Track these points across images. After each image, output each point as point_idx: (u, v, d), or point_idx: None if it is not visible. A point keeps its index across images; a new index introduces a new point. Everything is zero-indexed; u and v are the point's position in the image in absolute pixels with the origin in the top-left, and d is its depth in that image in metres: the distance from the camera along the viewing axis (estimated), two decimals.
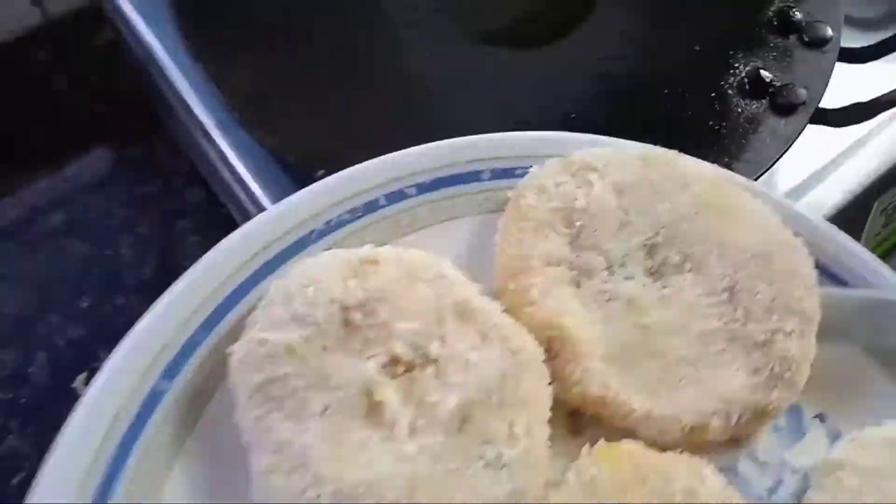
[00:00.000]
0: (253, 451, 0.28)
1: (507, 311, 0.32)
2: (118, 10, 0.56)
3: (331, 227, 0.34)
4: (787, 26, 0.52)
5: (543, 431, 0.30)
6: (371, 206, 0.35)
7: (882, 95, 0.49)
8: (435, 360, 0.30)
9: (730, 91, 0.49)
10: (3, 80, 0.67)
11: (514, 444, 0.29)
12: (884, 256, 0.59)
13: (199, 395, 0.31)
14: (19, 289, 0.62)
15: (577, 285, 0.34)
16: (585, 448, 0.30)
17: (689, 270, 0.34)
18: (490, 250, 0.34)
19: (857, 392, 0.35)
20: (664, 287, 0.34)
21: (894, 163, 0.53)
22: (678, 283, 0.34)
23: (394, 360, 0.30)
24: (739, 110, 0.49)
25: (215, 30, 0.50)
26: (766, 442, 0.33)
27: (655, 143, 0.37)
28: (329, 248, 0.34)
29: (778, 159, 0.46)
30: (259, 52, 0.49)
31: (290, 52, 0.49)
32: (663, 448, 0.30)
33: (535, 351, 0.31)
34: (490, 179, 0.36)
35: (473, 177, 0.36)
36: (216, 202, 0.69)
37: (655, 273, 0.34)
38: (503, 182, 0.36)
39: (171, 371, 0.30)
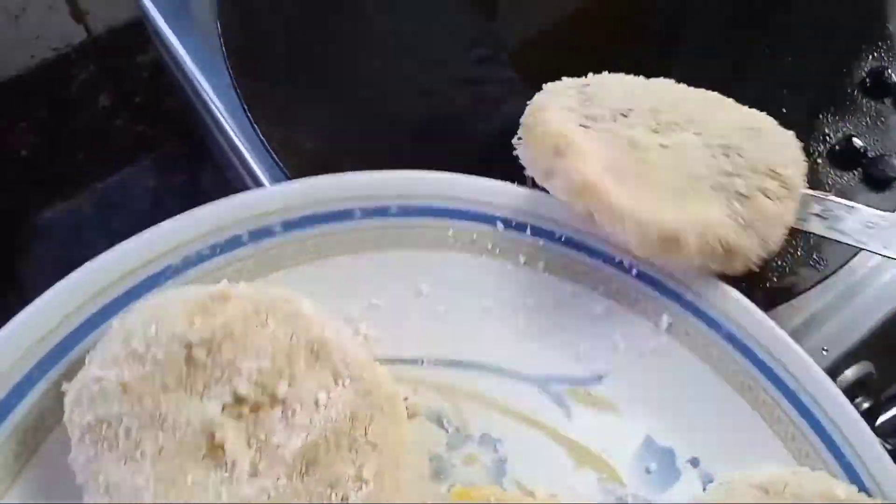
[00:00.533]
0: (86, 492, 0.28)
1: (523, 138, 0.37)
2: (159, 33, 0.53)
3: (188, 263, 0.32)
4: (881, 89, 0.48)
5: (395, 475, 0.29)
6: (234, 243, 0.33)
7: None
8: (282, 401, 0.29)
9: (819, 160, 0.45)
10: (46, 98, 0.66)
11: (361, 488, 0.28)
12: None
13: (36, 432, 0.30)
14: None
15: (586, 127, 0.38)
16: (443, 491, 0.31)
17: (690, 130, 0.39)
18: (361, 289, 0.34)
19: (731, 437, 0.35)
20: (665, 140, 0.38)
21: None
22: (679, 138, 0.39)
23: (238, 400, 0.29)
24: (829, 182, 0.45)
25: (270, 89, 0.47)
26: (639, 485, 0.34)
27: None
28: (185, 285, 0.32)
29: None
30: (313, 112, 0.46)
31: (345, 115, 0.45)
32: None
33: (390, 392, 0.31)
34: (362, 218, 0.34)
35: (346, 215, 0.34)
36: None
37: (658, 130, 0.39)
38: (376, 221, 0.34)
39: (4, 405, 0.29)
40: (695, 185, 0.36)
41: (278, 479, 0.28)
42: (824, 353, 0.46)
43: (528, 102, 0.39)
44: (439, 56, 0.48)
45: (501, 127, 0.40)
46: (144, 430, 0.28)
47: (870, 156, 0.45)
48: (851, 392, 0.48)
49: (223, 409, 0.29)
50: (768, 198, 0.37)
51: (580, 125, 0.38)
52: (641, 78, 0.42)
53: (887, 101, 0.47)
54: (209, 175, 0.66)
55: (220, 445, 0.28)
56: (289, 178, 0.44)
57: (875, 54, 0.49)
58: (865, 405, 0.48)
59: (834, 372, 0.47)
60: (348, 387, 0.30)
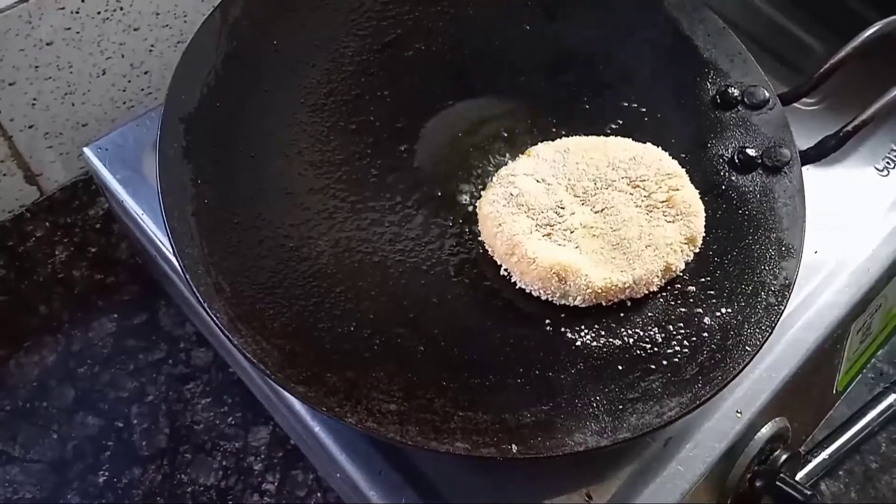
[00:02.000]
0: None
1: (521, 275, 0.48)
2: (104, 182, 0.58)
3: None
4: (730, 103, 0.56)
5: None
6: None
7: (847, 124, 0.53)
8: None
9: (733, 179, 0.53)
10: (4, 257, 0.69)
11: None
12: (860, 370, 0.62)
13: None
14: (35, 470, 0.63)
15: (549, 236, 0.50)
16: None
17: (602, 188, 0.52)
18: None
19: None
20: (594, 206, 0.51)
21: (863, 292, 0.57)
22: (601, 199, 0.51)
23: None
24: (740, 185, 0.53)
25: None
26: None
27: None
28: None
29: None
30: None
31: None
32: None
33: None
34: None
35: None
36: (223, 363, 0.71)
37: (585, 202, 0.51)
38: None
39: None
40: (639, 221, 0.50)
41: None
42: (738, 415, 0.51)
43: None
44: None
45: None
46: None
47: (759, 154, 0.54)
48: (769, 447, 0.53)
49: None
50: (678, 190, 0.51)
51: (545, 237, 0.49)
52: (544, 149, 0.53)
53: (740, 108, 0.55)
54: (166, 313, 0.70)
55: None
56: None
57: (710, 78, 0.58)
58: (784, 457, 0.53)
59: (750, 431, 0.52)
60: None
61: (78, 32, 0.64)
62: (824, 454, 0.68)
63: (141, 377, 0.68)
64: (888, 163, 0.63)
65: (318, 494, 0.64)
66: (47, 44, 0.63)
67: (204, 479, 0.64)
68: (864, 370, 0.69)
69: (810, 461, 0.65)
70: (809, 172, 0.55)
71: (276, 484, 0.65)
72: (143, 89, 0.73)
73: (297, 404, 0.50)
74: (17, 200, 0.71)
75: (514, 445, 0.43)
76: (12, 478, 0.63)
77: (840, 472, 0.70)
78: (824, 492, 0.68)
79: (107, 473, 0.64)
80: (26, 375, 0.67)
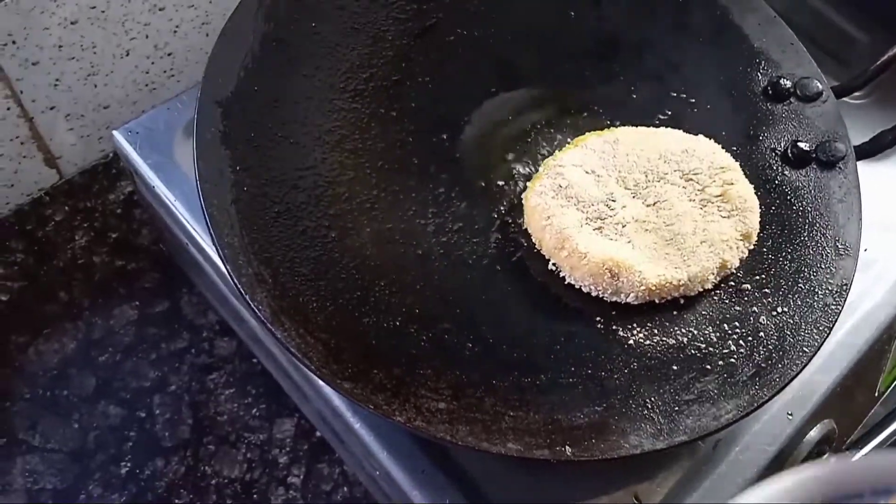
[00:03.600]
0: None
1: (571, 270, 0.47)
2: (134, 167, 0.56)
3: None
4: (782, 94, 0.54)
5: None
6: None
7: None
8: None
9: (786, 173, 0.52)
10: (23, 242, 0.67)
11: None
12: None
13: None
14: (56, 460, 0.62)
15: (601, 230, 0.48)
16: None
17: (654, 181, 0.50)
18: None
19: None
20: (646, 199, 0.49)
21: None
22: (653, 192, 0.49)
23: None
24: (793, 180, 0.52)
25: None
26: None
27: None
28: None
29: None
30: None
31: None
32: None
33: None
34: None
35: None
36: (247, 353, 0.69)
37: (636, 195, 0.50)
38: None
39: None
40: (693, 217, 0.48)
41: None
42: (789, 417, 0.50)
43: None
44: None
45: None
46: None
47: (813, 149, 0.52)
48: (818, 449, 0.51)
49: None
50: (733, 184, 0.49)
51: (596, 231, 0.48)
52: (593, 139, 0.51)
53: (792, 100, 0.54)
54: (188, 301, 0.69)
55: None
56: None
57: (761, 69, 0.56)
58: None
59: (800, 434, 0.50)
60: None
61: (103, 11, 0.62)
62: (861, 454, 0.67)
63: (163, 366, 0.66)
64: None
65: (345, 489, 0.63)
66: (72, 23, 0.61)
67: (228, 472, 0.63)
68: None
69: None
70: (860, 168, 0.53)
71: (301, 477, 0.63)
72: (165, 71, 0.71)
73: (335, 399, 0.49)
74: (36, 184, 0.69)
75: (567, 447, 0.41)
76: (32, 467, 0.61)
77: None
78: None
79: (129, 464, 0.62)
80: (46, 363, 0.65)
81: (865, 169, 0.58)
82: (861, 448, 0.67)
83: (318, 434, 0.64)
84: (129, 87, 0.69)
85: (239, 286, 0.44)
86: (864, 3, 0.68)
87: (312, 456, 0.64)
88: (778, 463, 0.50)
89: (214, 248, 0.45)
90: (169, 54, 0.70)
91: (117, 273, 0.69)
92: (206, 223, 0.45)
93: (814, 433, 0.51)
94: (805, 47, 0.58)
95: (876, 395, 0.62)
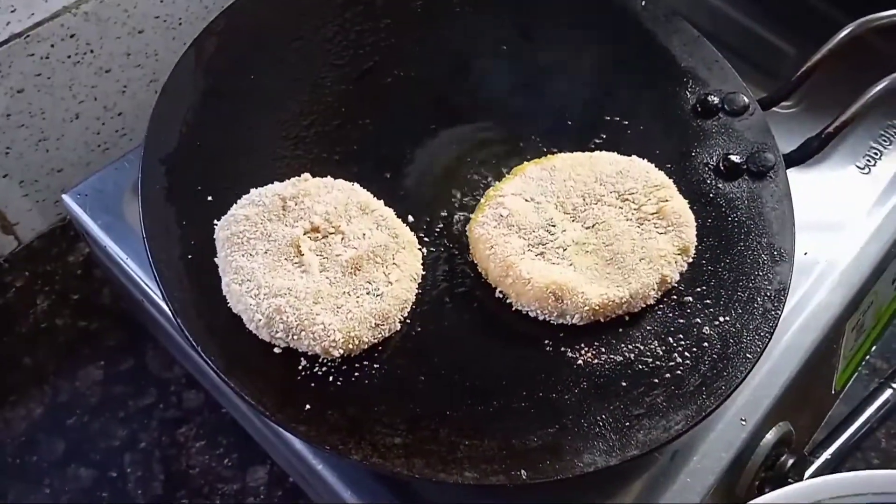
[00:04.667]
0: (224, 274, 0.47)
1: (517, 296, 0.48)
2: (85, 229, 0.57)
3: None
4: (711, 110, 0.57)
5: (410, 285, 0.48)
6: None
7: (828, 125, 0.54)
8: (342, 232, 0.49)
9: (720, 186, 0.53)
10: None
11: (388, 286, 0.47)
12: (856, 368, 0.63)
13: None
14: None
15: (543, 255, 0.49)
16: None
17: (591, 203, 0.51)
18: None
19: None
20: (585, 222, 0.51)
21: (855, 290, 0.57)
22: (591, 215, 0.51)
23: (314, 229, 0.49)
24: (726, 192, 0.54)
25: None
26: None
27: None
28: None
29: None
30: None
31: None
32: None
33: (410, 237, 0.50)
34: None
35: None
36: (216, 404, 0.69)
37: (575, 218, 0.51)
38: None
39: None
40: (631, 235, 0.50)
41: (337, 274, 0.47)
42: (742, 423, 0.51)
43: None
44: None
45: None
46: (257, 241, 0.47)
47: (744, 160, 0.54)
48: (775, 452, 0.53)
49: (304, 232, 0.48)
50: (667, 201, 0.51)
51: (538, 257, 0.49)
52: (531, 167, 0.53)
53: (721, 115, 0.56)
54: (154, 356, 0.69)
55: (301, 253, 0.47)
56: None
57: (689, 87, 0.58)
58: (791, 461, 0.53)
59: (756, 438, 0.52)
60: (384, 231, 0.49)
61: (49, 78, 0.64)
62: (826, 454, 0.68)
63: (132, 424, 0.66)
64: (869, 160, 0.64)
65: None
66: (18, 91, 0.62)
67: None
68: (860, 367, 0.69)
69: (813, 462, 0.65)
70: (793, 175, 0.55)
71: None
72: (117, 131, 0.72)
73: (296, 443, 0.50)
74: None
75: (523, 471, 0.42)
76: None
77: (843, 471, 0.70)
78: None
79: None
80: (14, 430, 0.65)
81: (803, 174, 0.60)
82: (827, 448, 0.69)
83: (291, 479, 0.64)
84: (81, 150, 0.70)
85: (191, 339, 0.44)
86: (789, 17, 0.71)
87: (287, 501, 0.64)
88: (736, 468, 0.51)
89: (165, 304, 0.46)
90: (119, 114, 0.71)
91: (81, 334, 0.70)
92: (155, 279, 0.46)
93: (769, 436, 0.52)
94: (737, 63, 0.61)
95: (833, 392, 0.63)
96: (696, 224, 0.51)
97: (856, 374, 0.69)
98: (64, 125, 0.67)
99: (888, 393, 0.72)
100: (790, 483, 0.52)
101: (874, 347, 0.73)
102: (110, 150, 0.72)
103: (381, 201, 0.51)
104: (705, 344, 0.47)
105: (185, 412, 0.67)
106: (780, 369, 0.53)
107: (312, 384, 0.44)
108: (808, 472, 0.64)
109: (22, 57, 0.61)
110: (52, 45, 0.62)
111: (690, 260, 0.50)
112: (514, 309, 0.49)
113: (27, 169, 0.67)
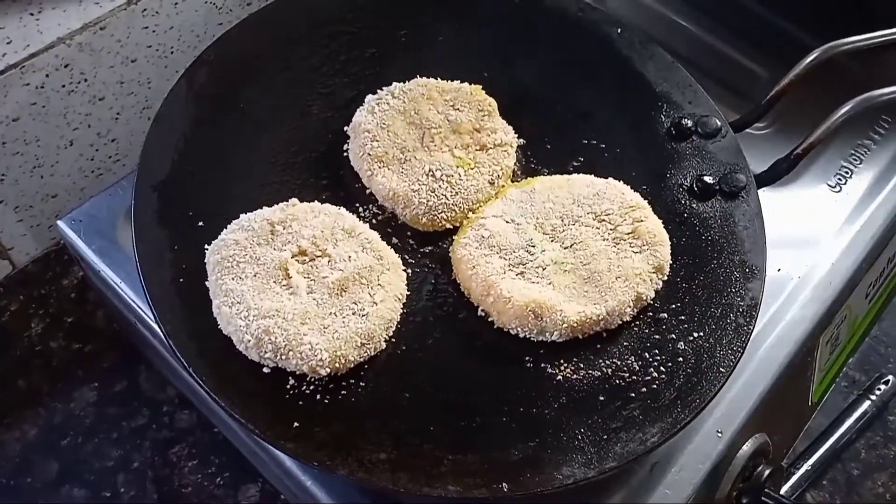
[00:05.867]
0: (214, 297, 0.49)
1: (498, 314, 0.50)
2: (79, 253, 0.59)
3: None
4: (685, 133, 0.59)
5: (395, 305, 0.50)
6: None
7: (796, 147, 0.57)
8: (329, 255, 0.50)
9: (694, 206, 0.56)
10: None
11: (373, 306, 0.49)
12: (833, 380, 0.64)
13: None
14: None
15: (523, 275, 0.51)
16: None
17: (569, 224, 0.53)
18: None
19: None
20: (563, 242, 0.53)
21: (828, 305, 0.59)
22: (569, 235, 0.53)
23: (301, 252, 0.50)
24: (714, 215, 0.56)
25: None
26: None
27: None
28: None
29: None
30: None
31: None
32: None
33: (395, 259, 0.52)
34: None
35: None
36: (208, 424, 0.71)
37: (554, 239, 0.53)
38: None
39: None
40: (608, 255, 0.52)
41: (324, 295, 0.49)
42: (719, 435, 0.53)
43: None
44: None
45: None
46: (247, 264, 0.49)
47: (717, 181, 0.56)
48: (752, 463, 0.54)
49: (292, 256, 0.50)
50: (642, 221, 0.53)
51: (518, 276, 0.51)
52: (512, 190, 0.55)
53: (695, 138, 0.59)
54: (147, 378, 0.70)
55: (289, 276, 0.49)
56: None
57: (664, 111, 0.60)
58: (767, 472, 0.54)
59: (732, 449, 0.53)
60: (369, 253, 0.51)
61: (44, 106, 0.65)
62: (807, 465, 0.70)
63: (125, 444, 0.68)
64: (840, 179, 0.66)
65: None
66: (13, 119, 0.64)
67: None
68: (837, 379, 0.71)
69: (794, 473, 0.67)
70: (766, 194, 0.58)
71: None
72: (111, 157, 0.74)
73: (286, 460, 0.51)
74: None
75: (504, 484, 0.44)
76: None
77: (824, 482, 0.72)
78: (810, 502, 0.70)
79: None
80: (8, 452, 0.67)
81: (778, 193, 0.62)
82: (808, 459, 0.71)
83: (282, 497, 0.66)
84: (75, 175, 0.72)
85: (183, 361, 0.46)
86: (759, 40, 0.74)
87: None
88: (713, 479, 0.52)
89: (158, 326, 0.47)
90: (112, 140, 0.73)
91: (75, 356, 0.71)
92: (148, 302, 0.47)
93: (746, 448, 0.54)
94: (711, 86, 0.63)
95: (810, 404, 0.65)
96: (670, 243, 0.53)
97: (833, 386, 0.71)
98: (58, 152, 0.69)
99: (866, 404, 0.75)
100: (767, 493, 0.54)
101: (851, 360, 0.75)
102: (104, 175, 0.74)
103: (367, 224, 0.53)
104: (680, 359, 0.49)
105: (178, 432, 0.69)
106: (756, 382, 0.55)
107: (300, 402, 0.46)
108: (789, 484, 0.66)
109: (18, 87, 0.63)
110: (47, 75, 0.64)
111: (665, 278, 0.52)
112: (495, 327, 0.50)
113: (22, 195, 0.69)
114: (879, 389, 0.75)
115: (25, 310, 0.72)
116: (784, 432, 0.62)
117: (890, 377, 0.76)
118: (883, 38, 0.60)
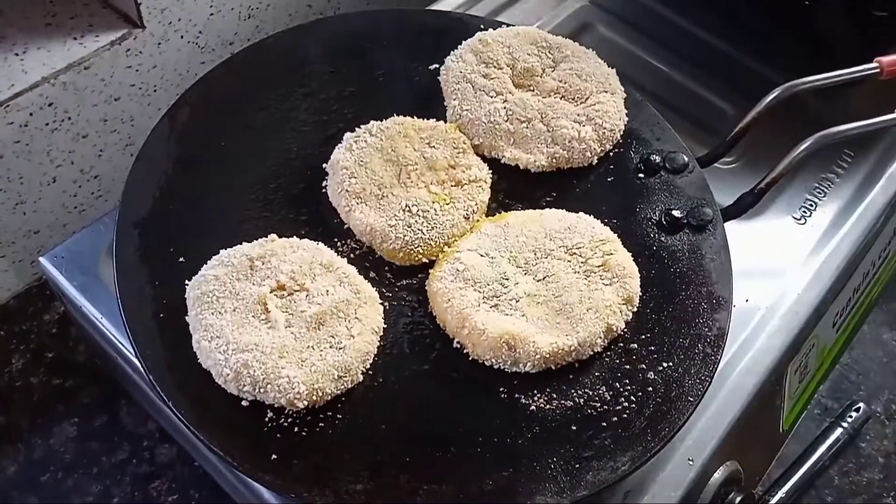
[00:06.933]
0: (194, 331, 0.50)
1: (473, 346, 0.52)
2: (61, 290, 0.60)
3: None
4: (653, 169, 0.61)
5: (372, 338, 0.52)
6: None
7: (760, 181, 0.59)
8: (307, 289, 0.52)
9: (662, 240, 0.57)
10: None
11: (350, 339, 0.50)
12: (804, 407, 0.66)
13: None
14: None
15: (497, 307, 0.53)
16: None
17: (542, 257, 0.55)
18: None
19: None
20: (536, 275, 0.55)
21: (795, 334, 0.61)
22: (542, 268, 0.55)
23: (280, 287, 0.52)
24: (668, 245, 0.57)
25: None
26: None
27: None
28: None
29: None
30: None
31: None
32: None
33: (371, 293, 0.53)
34: None
35: None
36: (189, 458, 0.71)
37: (527, 272, 0.55)
38: None
39: None
40: (577, 286, 0.53)
41: (301, 329, 0.50)
42: (690, 463, 0.54)
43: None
44: None
45: None
46: (226, 299, 0.50)
47: (683, 215, 0.58)
48: (724, 490, 0.56)
49: (271, 290, 0.51)
50: (612, 254, 0.54)
51: (493, 309, 0.52)
52: (486, 224, 0.57)
53: (662, 174, 0.61)
54: (128, 412, 0.71)
55: (267, 310, 0.50)
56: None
57: (633, 148, 0.62)
58: (738, 499, 0.56)
59: (704, 477, 0.55)
60: (346, 287, 0.52)
61: (27, 144, 0.67)
62: (781, 493, 0.71)
63: (105, 480, 0.68)
64: (804, 211, 0.68)
65: None
66: None
67: None
68: (809, 407, 0.73)
69: (769, 501, 0.68)
70: (734, 226, 0.60)
71: None
72: (93, 193, 0.75)
73: (265, 492, 0.52)
74: None
75: None
76: None
77: None
78: None
79: None
80: None
81: (745, 225, 0.64)
82: (782, 486, 0.72)
83: None
84: (57, 212, 0.73)
85: (162, 394, 0.47)
86: (726, 77, 0.76)
87: None
88: None
89: (138, 360, 0.48)
90: (95, 177, 0.74)
91: (55, 391, 0.72)
92: (128, 338, 0.48)
93: (717, 475, 0.55)
94: (679, 121, 0.65)
95: (781, 431, 0.67)
96: (639, 275, 0.54)
97: (805, 413, 0.72)
98: (41, 188, 0.70)
99: (839, 431, 0.76)
100: None
101: (823, 387, 0.77)
102: (87, 210, 0.75)
103: (345, 259, 0.54)
104: (650, 388, 0.51)
105: (158, 466, 0.69)
106: (725, 410, 0.57)
107: (278, 435, 0.47)
108: None
109: (1, 125, 0.64)
110: (31, 114, 0.66)
111: (635, 309, 0.53)
112: (470, 359, 0.52)
113: (4, 231, 0.70)
114: (851, 416, 0.77)
115: (6, 345, 0.72)
116: (756, 460, 0.63)
117: (861, 404, 0.77)
118: (842, 78, 0.63)
